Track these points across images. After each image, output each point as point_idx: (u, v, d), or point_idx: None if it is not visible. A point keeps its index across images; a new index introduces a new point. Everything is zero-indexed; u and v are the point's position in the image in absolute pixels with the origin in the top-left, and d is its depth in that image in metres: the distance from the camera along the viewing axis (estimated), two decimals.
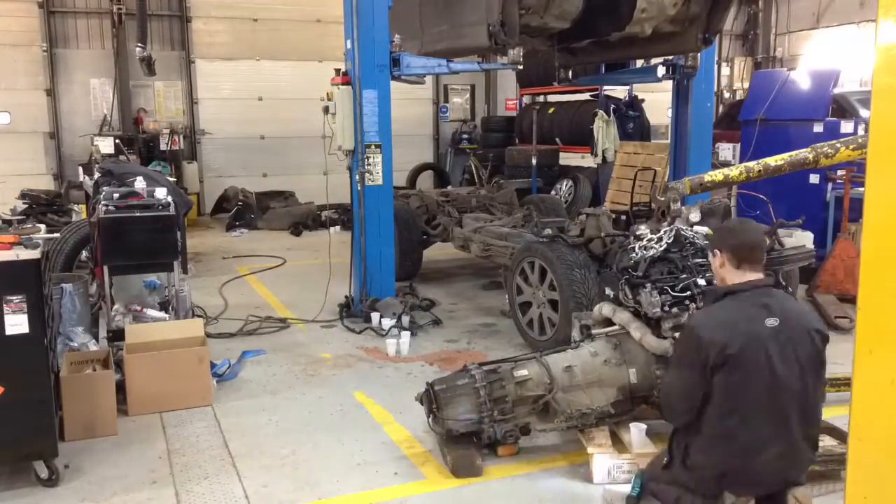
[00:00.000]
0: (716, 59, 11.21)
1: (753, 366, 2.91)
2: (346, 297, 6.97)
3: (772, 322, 2.96)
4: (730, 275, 3.11)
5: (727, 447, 2.98)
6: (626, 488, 3.51)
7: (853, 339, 2.19)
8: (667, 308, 3.95)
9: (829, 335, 3.14)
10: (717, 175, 5.43)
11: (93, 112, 13.49)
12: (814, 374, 3.02)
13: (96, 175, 6.58)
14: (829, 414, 4.22)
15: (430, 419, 4.11)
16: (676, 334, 3.89)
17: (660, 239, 4.35)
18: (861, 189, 6.97)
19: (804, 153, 5.14)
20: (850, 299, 6.65)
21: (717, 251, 3.17)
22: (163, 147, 13.18)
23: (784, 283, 5.32)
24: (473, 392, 3.97)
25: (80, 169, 10.32)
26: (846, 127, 7.94)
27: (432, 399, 4.04)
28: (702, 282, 4.01)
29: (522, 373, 4.05)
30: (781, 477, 3.03)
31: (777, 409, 2.95)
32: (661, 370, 3.99)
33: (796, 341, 2.98)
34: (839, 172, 7.50)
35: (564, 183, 12.37)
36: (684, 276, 4.10)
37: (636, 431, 3.89)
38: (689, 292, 3.98)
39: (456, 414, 3.96)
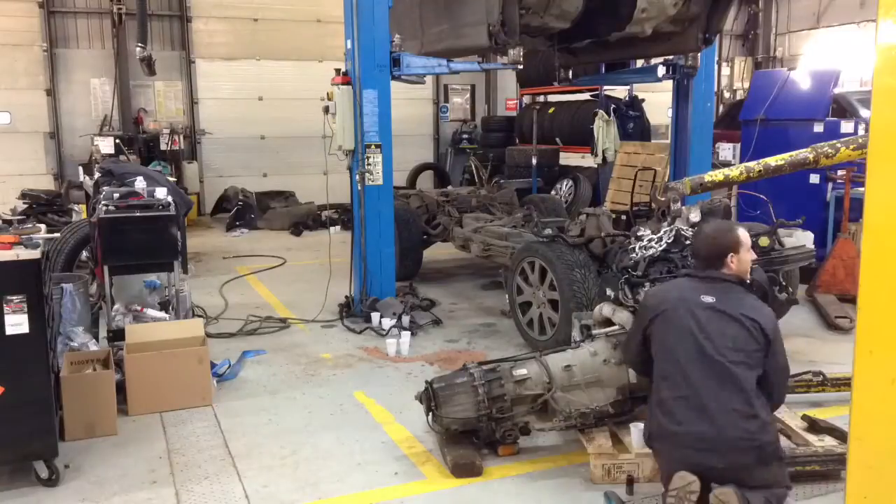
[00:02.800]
0: (716, 58, 11.20)
1: (679, 327, 3.27)
2: (346, 297, 6.97)
3: (708, 299, 3.30)
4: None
5: (655, 397, 3.31)
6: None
7: (853, 339, 2.19)
8: None
9: (766, 328, 3.26)
10: (718, 175, 5.43)
11: (93, 112, 13.49)
12: (741, 356, 3.19)
13: (96, 175, 6.59)
14: (829, 414, 4.23)
15: (429, 417, 4.12)
16: None
17: (660, 239, 4.35)
18: (861, 189, 6.97)
19: (804, 153, 5.14)
20: (851, 299, 6.65)
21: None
22: (163, 147, 13.17)
23: (784, 283, 5.35)
24: (472, 390, 3.97)
25: (81, 169, 10.34)
26: (846, 127, 7.94)
27: (431, 397, 4.04)
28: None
29: (521, 372, 4.05)
30: (703, 444, 3.11)
31: (700, 373, 3.18)
32: None
33: (726, 320, 3.24)
34: (839, 172, 7.50)
35: (564, 183, 12.36)
36: None
37: (636, 431, 3.88)
38: None
39: (454, 412, 3.96)
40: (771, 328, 3.27)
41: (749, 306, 3.31)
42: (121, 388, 4.65)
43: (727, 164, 9.57)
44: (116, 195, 5.41)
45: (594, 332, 4.32)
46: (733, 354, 3.18)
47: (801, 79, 8.65)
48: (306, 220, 12.21)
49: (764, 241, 5.55)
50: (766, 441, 3.11)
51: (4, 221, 4.23)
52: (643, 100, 12.83)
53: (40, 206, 9.23)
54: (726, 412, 3.10)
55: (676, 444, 3.18)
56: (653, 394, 3.36)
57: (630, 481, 3.69)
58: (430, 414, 4.08)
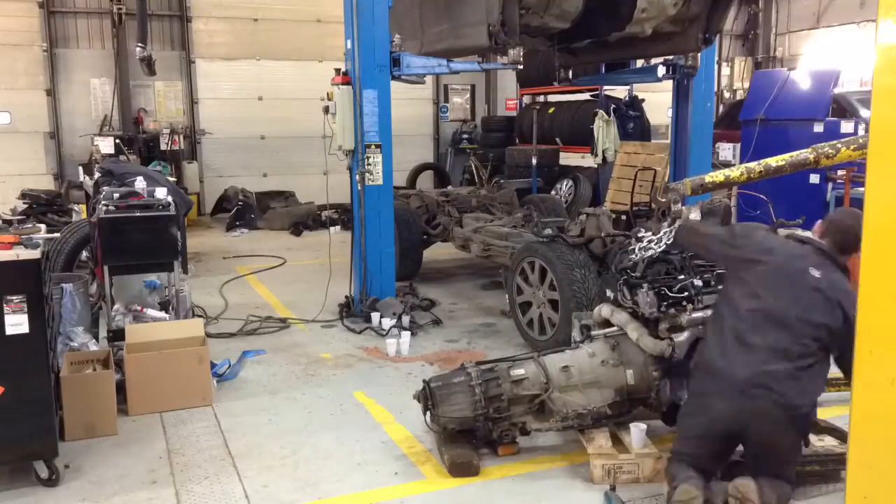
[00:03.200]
0: (716, 59, 11.20)
1: (770, 271, 3.46)
2: (346, 297, 6.97)
3: (816, 273, 3.40)
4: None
5: (710, 331, 3.56)
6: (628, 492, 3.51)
7: None
8: (663, 309, 3.94)
9: (853, 316, 3.26)
10: (718, 176, 5.42)
11: (93, 112, 13.49)
12: (814, 325, 3.32)
13: (96, 175, 6.59)
14: (829, 414, 4.23)
15: (427, 416, 4.13)
16: (673, 335, 3.89)
17: (659, 240, 4.35)
18: (861, 189, 6.97)
19: (805, 153, 5.13)
20: None
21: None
22: (163, 147, 13.17)
23: None
24: (469, 390, 3.97)
25: (81, 169, 10.34)
26: (846, 127, 7.95)
27: (428, 396, 4.05)
28: (699, 282, 4.01)
29: (519, 372, 4.05)
30: (745, 385, 3.25)
31: (769, 319, 3.35)
32: (657, 371, 4.00)
33: (815, 289, 3.36)
34: (839, 172, 7.50)
35: (565, 183, 12.36)
36: (682, 276, 4.09)
37: (636, 431, 3.89)
38: (686, 293, 3.97)
39: (451, 411, 3.97)
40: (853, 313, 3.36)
41: (845, 291, 3.38)
42: (121, 388, 4.65)
43: (727, 165, 9.58)
44: (116, 195, 5.41)
45: (594, 332, 4.32)
46: (812, 330, 3.29)
47: (801, 79, 8.66)
48: (306, 220, 12.21)
49: None
50: (800, 404, 3.25)
51: (4, 221, 4.23)
52: (643, 100, 12.83)
53: (40, 206, 9.23)
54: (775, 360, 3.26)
55: (718, 385, 3.31)
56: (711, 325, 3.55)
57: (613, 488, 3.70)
58: (428, 413, 4.09)
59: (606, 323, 4.32)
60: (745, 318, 3.38)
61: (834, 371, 4.90)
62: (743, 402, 3.25)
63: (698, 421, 3.43)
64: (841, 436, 3.85)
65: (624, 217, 6.65)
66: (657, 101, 13.45)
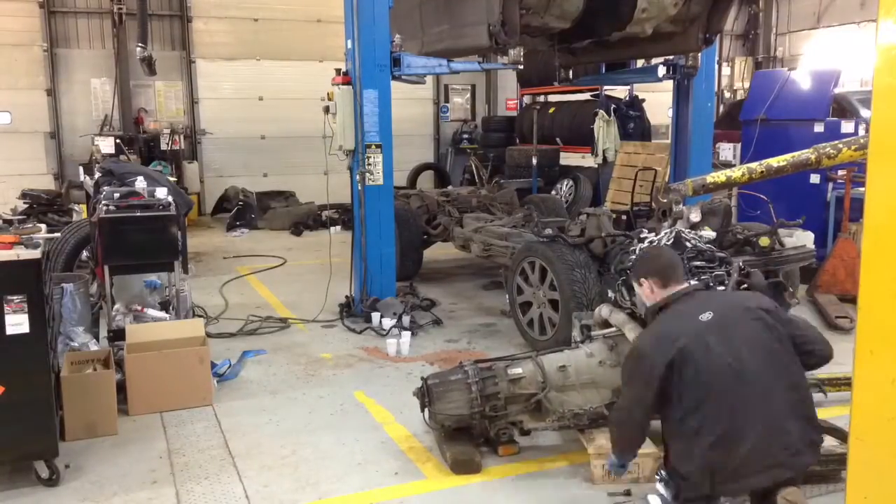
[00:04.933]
0: (716, 58, 11.20)
1: (700, 362, 2.92)
2: (346, 296, 6.97)
3: (706, 316, 3.02)
4: (660, 295, 3.24)
5: (702, 444, 2.92)
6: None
7: (854, 339, 2.19)
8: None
9: (776, 308, 3.13)
10: (720, 176, 5.43)
11: (93, 112, 13.49)
12: (769, 351, 2.97)
13: (97, 175, 6.59)
14: (829, 414, 4.23)
15: (425, 413, 4.14)
16: None
17: (659, 241, 4.35)
18: (862, 189, 6.97)
19: (807, 153, 5.15)
20: (851, 299, 6.64)
21: (642, 280, 3.30)
22: (163, 147, 13.18)
23: (785, 283, 5.35)
24: (466, 387, 3.98)
25: (81, 169, 10.33)
26: (847, 127, 7.94)
27: (425, 393, 4.05)
28: (696, 283, 4.00)
29: (516, 371, 4.06)
30: (770, 461, 2.88)
31: (741, 395, 2.90)
32: None
33: (736, 324, 3.01)
34: (840, 172, 7.50)
35: (565, 183, 12.36)
36: None
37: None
38: None
39: (447, 409, 3.97)
40: (773, 305, 3.14)
41: (739, 298, 3.24)
42: (121, 388, 4.65)
43: (728, 165, 9.57)
44: (117, 195, 5.41)
45: (593, 333, 4.33)
46: (770, 359, 2.95)
47: (802, 79, 8.65)
48: (306, 220, 12.21)
49: (764, 242, 5.55)
50: (821, 438, 3.02)
51: (5, 221, 4.23)
52: (643, 100, 12.83)
53: (41, 206, 9.23)
54: (792, 416, 2.92)
55: (746, 472, 2.89)
56: (677, 436, 3.04)
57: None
58: (426, 410, 4.10)
59: (606, 323, 4.32)
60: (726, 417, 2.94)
61: (834, 371, 4.92)
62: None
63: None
64: (841, 436, 3.85)
65: (624, 217, 6.67)
66: (657, 101, 13.45)
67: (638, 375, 3.08)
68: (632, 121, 12.26)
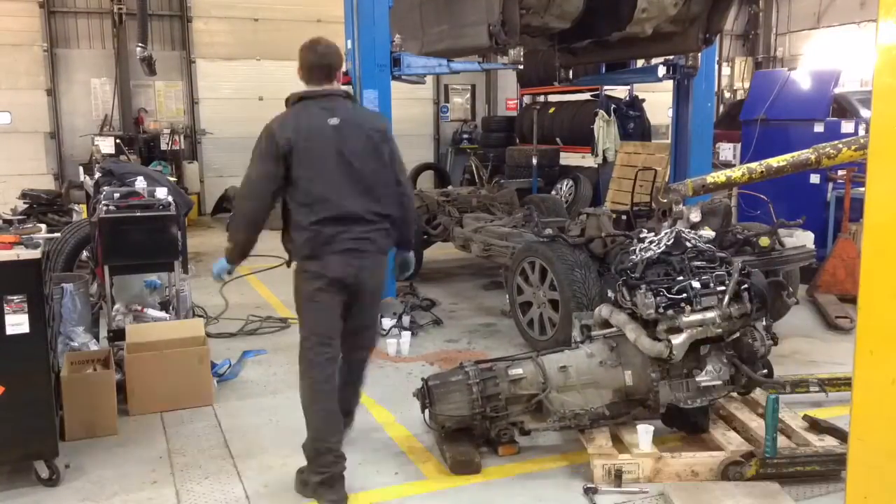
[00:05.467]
0: (716, 58, 11.20)
1: (317, 152, 3.64)
2: None
3: (333, 121, 3.67)
4: (306, 85, 3.88)
5: (308, 216, 3.74)
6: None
7: (854, 339, 2.19)
8: (661, 310, 3.94)
9: (386, 132, 3.90)
10: (720, 176, 5.43)
11: (93, 112, 13.49)
12: (371, 160, 3.72)
13: (97, 175, 6.58)
14: (829, 414, 4.23)
15: (425, 414, 4.14)
16: (671, 336, 3.89)
17: (659, 241, 4.35)
18: (862, 189, 6.97)
19: (806, 154, 5.15)
20: (851, 299, 6.65)
21: (299, 64, 3.90)
22: (163, 147, 13.18)
23: (785, 283, 5.35)
24: (466, 388, 3.98)
25: (81, 169, 10.34)
26: (847, 127, 7.94)
27: (426, 394, 4.05)
28: (697, 284, 4.01)
29: (517, 371, 4.05)
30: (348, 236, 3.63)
31: (339, 183, 3.64)
32: (656, 373, 3.99)
33: (354, 136, 3.68)
34: (840, 172, 7.50)
35: (565, 183, 12.36)
36: (681, 278, 4.09)
37: (643, 433, 3.87)
38: (684, 294, 3.97)
39: (448, 409, 3.97)
40: (389, 130, 3.93)
41: (364, 117, 3.89)
42: (121, 388, 4.65)
43: (728, 165, 9.58)
44: (117, 195, 5.41)
45: (594, 333, 4.33)
46: (368, 167, 3.68)
47: (802, 79, 8.65)
48: None
49: (764, 242, 5.56)
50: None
51: (5, 221, 4.23)
52: (643, 100, 12.83)
53: (41, 206, 9.23)
54: (368, 212, 3.67)
55: (335, 249, 3.64)
56: (294, 216, 3.86)
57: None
58: (426, 411, 4.10)
59: (606, 323, 4.32)
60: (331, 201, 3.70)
61: (834, 371, 4.93)
62: None
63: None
64: (842, 436, 3.85)
65: (624, 217, 6.66)
66: (657, 101, 13.45)
67: (267, 152, 3.74)
68: (632, 121, 12.26)
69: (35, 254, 3.68)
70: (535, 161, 12.27)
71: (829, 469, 3.71)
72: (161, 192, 5.52)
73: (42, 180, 12.78)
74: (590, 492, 3.66)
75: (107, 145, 11.47)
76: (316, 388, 3.64)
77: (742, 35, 18.64)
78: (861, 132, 7.60)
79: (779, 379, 4.52)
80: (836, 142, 5.13)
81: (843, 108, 9.34)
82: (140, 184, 5.72)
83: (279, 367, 5.61)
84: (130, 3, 12.73)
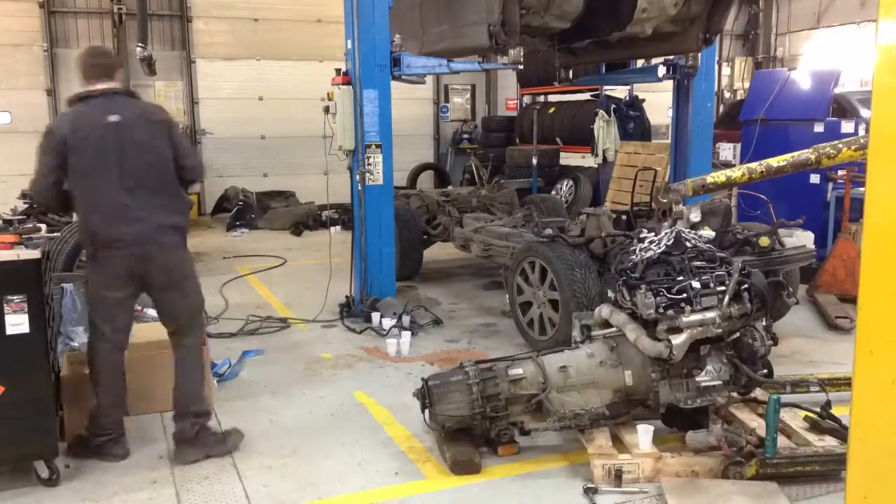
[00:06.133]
0: (716, 58, 11.20)
1: (92, 148, 3.83)
2: (346, 296, 6.97)
3: (113, 118, 3.86)
4: (83, 87, 4.00)
5: (86, 210, 3.91)
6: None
7: (854, 339, 2.19)
8: (661, 310, 3.94)
9: (170, 120, 4.15)
10: (720, 176, 5.43)
11: None
12: (153, 153, 3.96)
13: None
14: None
15: (425, 414, 4.14)
16: (671, 337, 3.89)
17: (659, 241, 4.35)
18: (862, 189, 6.97)
19: (806, 154, 5.14)
20: (851, 299, 6.65)
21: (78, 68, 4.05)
22: None
23: (785, 283, 5.35)
24: (466, 389, 3.98)
25: None
26: (847, 127, 7.94)
27: (426, 394, 4.05)
28: (697, 284, 4.00)
29: (517, 371, 4.05)
30: (120, 229, 3.86)
31: (113, 177, 3.84)
32: (656, 373, 4.00)
33: (135, 129, 3.92)
34: (840, 172, 7.50)
35: (565, 183, 12.37)
36: (681, 278, 4.09)
37: (643, 431, 3.87)
38: (684, 294, 3.97)
39: (448, 410, 3.97)
40: (172, 120, 4.11)
41: (147, 111, 4.06)
42: None
43: (728, 165, 9.58)
44: None
45: (593, 333, 4.33)
46: (149, 157, 3.91)
47: (802, 79, 8.65)
48: (307, 220, 12.21)
49: (764, 242, 5.56)
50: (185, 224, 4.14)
51: (5, 221, 4.25)
52: (643, 100, 12.83)
53: (41, 206, 9.21)
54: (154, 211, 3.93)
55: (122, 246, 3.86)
56: (78, 206, 3.94)
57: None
58: (426, 411, 4.10)
59: (607, 324, 4.32)
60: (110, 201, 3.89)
61: (834, 371, 4.92)
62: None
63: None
64: (842, 436, 3.85)
65: (624, 217, 6.66)
66: (657, 101, 13.45)
67: (48, 147, 3.88)
68: (632, 121, 12.26)
69: (35, 254, 3.68)
70: (535, 161, 12.28)
71: (829, 469, 3.71)
72: None
73: None
74: (590, 492, 3.66)
75: None
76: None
77: (742, 35, 18.64)
78: (861, 132, 7.60)
79: (779, 379, 4.52)
80: (836, 142, 5.13)
81: (843, 108, 9.34)
82: None
83: (279, 367, 5.61)
84: (130, 3, 12.74)
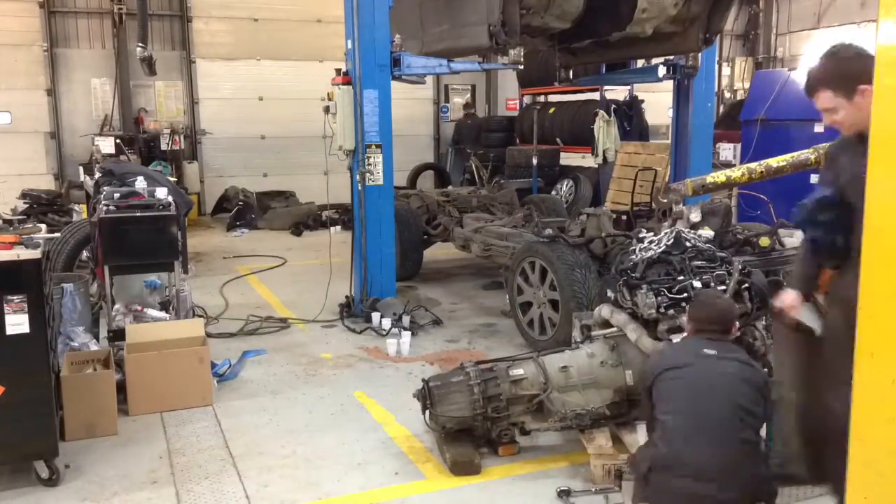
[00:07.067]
0: (716, 59, 11.21)
1: (677, 383, 3.11)
2: (346, 296, 6.97)
3: (709, 351, 3.13)
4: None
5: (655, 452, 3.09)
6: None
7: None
8: (662, 310, 3.94)
9: (764, 384, 3.13)
10: (720, 176, 5.43)
11: (93, 112, 13.49)
12: (734, 407, 3.02)
13: (97, 175, 6.58)
14: None
15: (426, 415, 4.14)
16: (672, 336, 3.89)
17: (659, 241, 4.35)
18: None
19: (806, 153, 5.15)
20: None
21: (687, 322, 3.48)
22: (163, 147, 13.19)
23: (785, 283, 5.34)
24: (468, 389, 3.98)
25: (81, 169, 10.34)
26: None
27: (427, 395, 4.05)
28: (698, 284, 4.01)
29: (518, 372, 4.05)
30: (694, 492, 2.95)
31: (694, 426, 3.01)
32: None
33: (721, 373, 3.08)
34: None
35: (565, 183, 12.36)
36: (681, 278, 4.09)
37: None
38: (685, 294, 3.97)
39: (449, 411, 3.97)
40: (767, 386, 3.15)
41: (741, 369, 3.12)
42: (121, 388, 4.65)
43: (728, 165, 9.57)
44: (117, 195, 5.41)
45: (594, 333, 4.33)
46: (729, 414, 3.01)
47: (802, 79, 8.65)
48: (307, 220, 12.21)
49: (764, 242, 5.55)
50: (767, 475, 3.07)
51: (5, 221, 4.24)
52: (643, 100, 12.82)
53: (41, 206, 9.24)
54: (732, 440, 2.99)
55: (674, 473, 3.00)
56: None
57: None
58: (427, 412, 4.10)
59: (607, 323, 4.32)
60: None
61: None
62: None
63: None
64: None
65: (624, 217, 6.66)
66: (657, 101, 13.45)
67: (641, 379, 3.42)
68: (631, 121, 12.25)
69: (35, 254, 3.68)
70: (535, 161, 12.27)
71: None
72: (161, 192, 5.52)
73: (42, 180, 12.78)
74: (563, 495, 3.66)
75: (107, 145, 11.47)
76: None
77: (742, 35, 18.63)
78: None
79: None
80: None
81: None
82: (140, 184, 5.72)
83: (279, 367, 5.61)
84: (130, 3, 12.73)
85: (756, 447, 3.05)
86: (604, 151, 11.62)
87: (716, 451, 2.95)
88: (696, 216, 5.23)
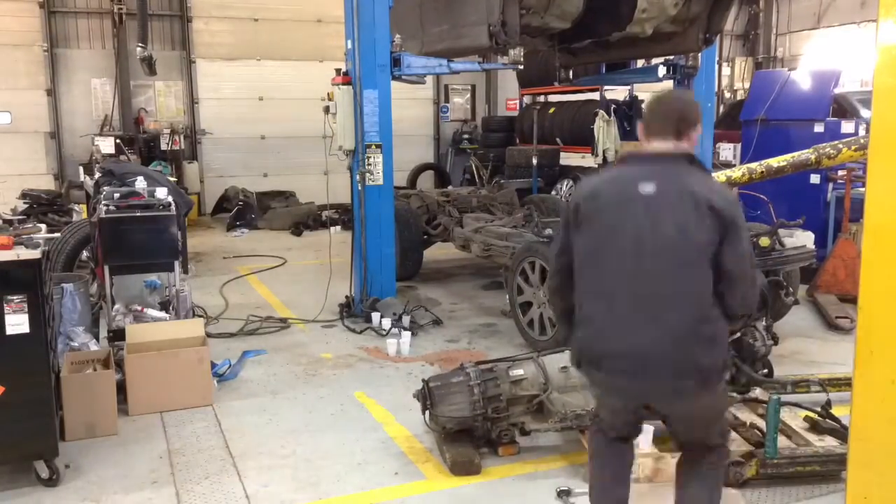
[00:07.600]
0: (716, 59, 11.21)
1: (605, 227, 2.71)
2: (346, 296, 6.97)
3: (647, 188, 2.65)
4: (643, 144, 2.84)
5: (581, 321, 2.80)
6: None
7: (854, 339, 2.19)
8: None
9: (727, 211, 2.60)
10: (720, 176, 5.44)
11: (93, 112, 13.49)
12: (678, 255, 2.61)
13: (97, 175, 6.59)
14: None
15: (426, 416, 4.14)
16: None
17: None
18: (862, 189, 6.97)
19: (807, 154, 5.15)
20: (851, 300, 6.64)
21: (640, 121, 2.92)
22: (163, 147, 13.19)
23: (785, 283, 5.35)
24: (468, 390, 3.98)
25: (81, 169, 10.34)
26: (847, 127, 7.94)
27: (427, 395, 4.05)
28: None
29: (518, 372, 4.05)
30: (636, 346, 2.63)
31: (617, 279, 2.67)
32: None
33: (672, 209, 2.62)
34: (840, 172, 7.50)
35: (565, 183, 12.36)
36: None
37: (643, 431, 3.85)
38: None
39: (449, 411, 3.97)
40: (731, 212, 2.61)
41: (693, 185, 2.63)
42: (121, 388, 4.64)
43: (728, 165, 9.58)
44: (117, 195, 5.41)
45: None
46: (681, 250, 2.59)
47: (802, 79, 8.65)
48: (307, 220, 12.22)
49: (764, 242, 5.55)
50: (713, 361, 2.64)
51: (5, 221, 4.24)
52: (643, 100, 12.81)
53: (41, 206, 9.25)
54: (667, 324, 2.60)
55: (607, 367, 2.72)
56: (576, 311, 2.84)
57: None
58: (427, 412, 4.10)
59: None
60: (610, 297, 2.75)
61: (834, 371, 4.92)
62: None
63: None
64: (841, 436, 3.85)
65: None
66: None
67: (562, 221, 2.94)
68: (632, 121, 12.24)
69: (35, 254, 3.68)
70: (535, 161, 12.27)
71: (829, 469, 3.71)
72: (161, 192, 5.52)
73: (42, 180, 12.79)
74: (563, 495, 3.66)
75: (107, 145, 11.46)
76: None
77: (742, 35, 18.64)
78: (861, 132, 7.59)
79: (779, 379, 4.52)
80: (836, 142, 5.14)
81: (843, 108, 9.33)
82: (140, 184, 5.72)
83: (279, 367, 5.61)
84: (130, 3, 12.73)
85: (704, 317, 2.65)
86: (604, 151, 11.61)
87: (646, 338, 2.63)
88: None
